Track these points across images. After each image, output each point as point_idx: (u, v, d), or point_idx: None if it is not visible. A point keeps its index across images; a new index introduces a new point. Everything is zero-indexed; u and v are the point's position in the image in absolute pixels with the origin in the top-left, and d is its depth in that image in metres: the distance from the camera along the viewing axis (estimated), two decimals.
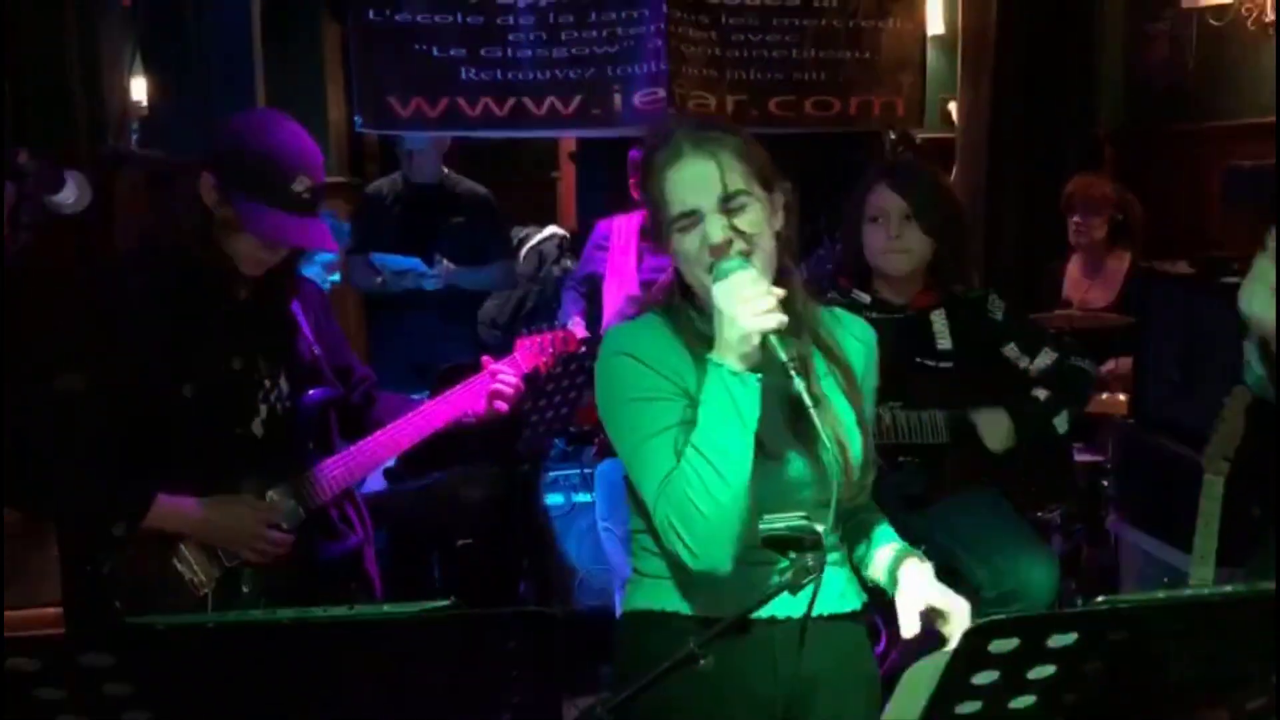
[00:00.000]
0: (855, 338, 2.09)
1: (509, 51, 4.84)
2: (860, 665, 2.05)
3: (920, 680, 1.64)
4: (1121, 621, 1.28)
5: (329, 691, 1.30)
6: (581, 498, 4.36)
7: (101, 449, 2.29)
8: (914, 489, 3.06)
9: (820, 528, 1.65)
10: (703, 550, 1.80)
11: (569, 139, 6.69)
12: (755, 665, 1.93)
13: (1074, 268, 4.67)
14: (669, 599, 1.97)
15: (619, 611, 2.15)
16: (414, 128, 4.84)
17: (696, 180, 1.90)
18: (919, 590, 1.90)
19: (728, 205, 1.89)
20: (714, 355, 1.81)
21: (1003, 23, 5.18)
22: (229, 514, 2.36)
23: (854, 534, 2.08)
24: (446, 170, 4.96)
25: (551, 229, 5.90)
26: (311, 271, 3.76)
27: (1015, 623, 1.26)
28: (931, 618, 1.88)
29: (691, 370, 1.91)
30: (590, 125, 5.00)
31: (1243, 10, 4.63)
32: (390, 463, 3.33)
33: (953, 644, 1.69)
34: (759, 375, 1.80)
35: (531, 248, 5.76)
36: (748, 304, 1.77)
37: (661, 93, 4.78)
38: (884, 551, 2.01)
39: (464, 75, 4.83)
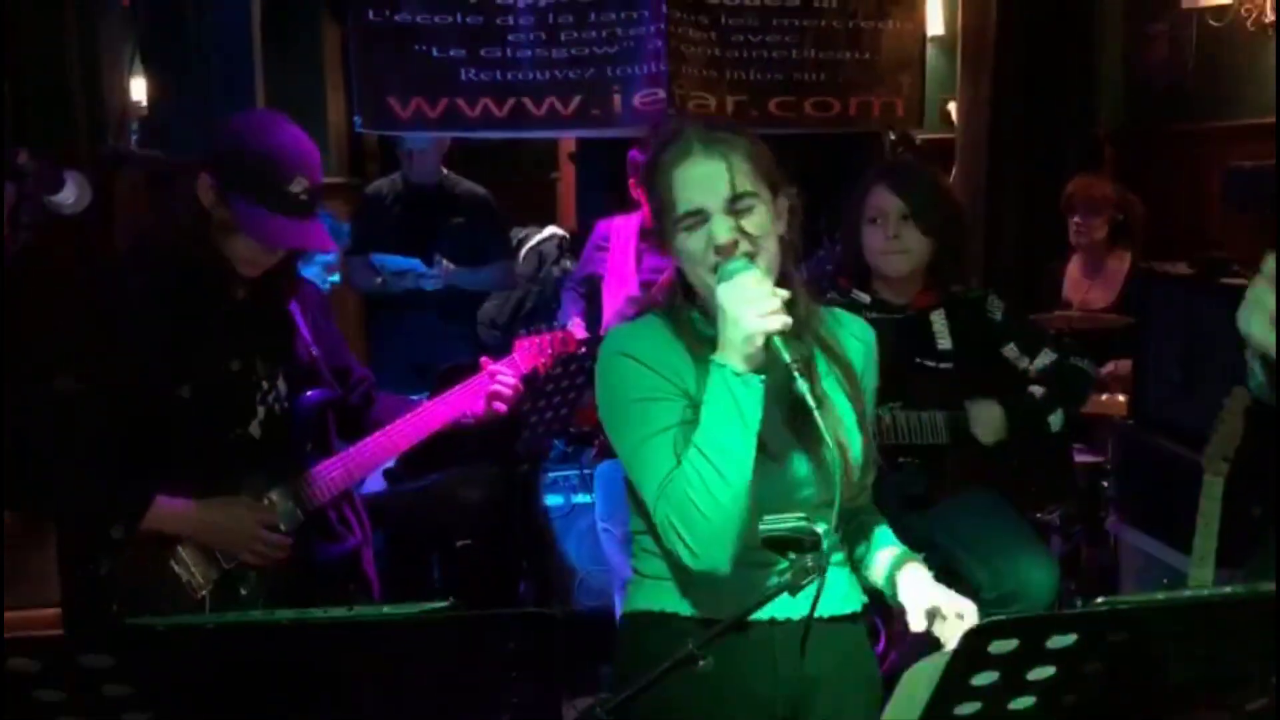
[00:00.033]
0: (855, 338, 2.09)
1: (509, 52, 4.84)
2: (861, 666, 2.05)
3: (920, 681, 1.63)
4: (1121, 622, 1.28)
5: (328, 692, 1.30)
6: (581, 498, 4.36)
7: (100, 450, 2.28)
8: (914, 490, 3.06)
9: (820, 529, 1.65)
10: (703, 550, 1.80)
11: (568, 139, 6.69)
12: (755, 666, 1.93)
13: (1074, 268, 4.67)
14: (669, 600, 1.97)
15: (619, 613, 2.15)
16: (414, 128, 4.84)
17: (705, 180, 1.89)
18: (923, 589, 1.90)
19: (735, 206, 1.89)
20: (717, 356, 1.80)
21: (1002, 23, 5.17)
22: (227, 516, 2.36)
23: (854, 536, 2.08)
24: (446, 171, 4.96)
25: (551, 229, 5.90)
26: (311, 272, 3.76)
27: (1015, 624, 1.25)
28: (934, 618, 1.88)
29: (691, 371, 1.91)
30: (590, 126, 4.99)
31: (1242, 11, 4.63)
32: (390, 463, 3.33)
33: (952, 645, 1.69)
34: (763, 377, 1.80)
35: (531, 248, 5.76)
36: (753, 305, 1.77)
37: (661, 93, 4.78)
38: (884, 555, 2.01)
39: (464, 76, 4.82)
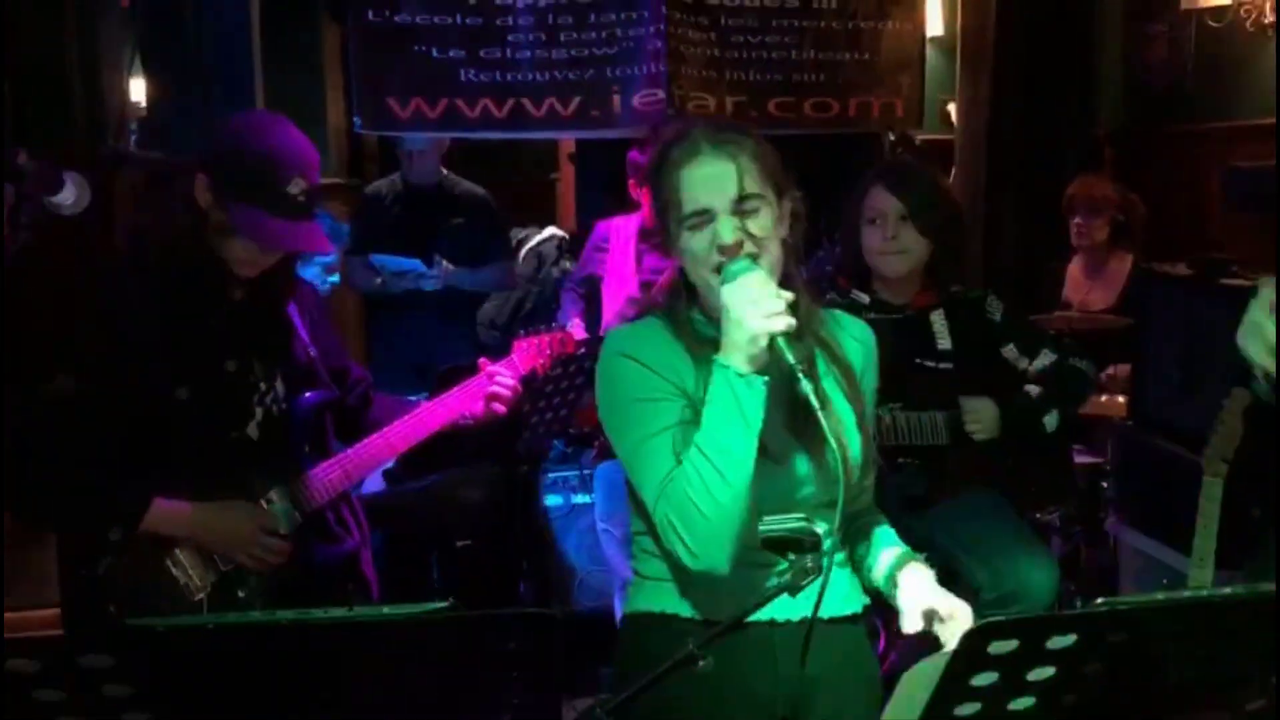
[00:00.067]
0: (854, 338, 2.10)
1: (508, 53, 4.84)
2: (861, 667, 2.05)
3: (919, 681, 1.63)
4: (1120, 623, 1.28)
5: (328, 693, 1.30)
6: (581, 499, 4.36)
7: (98, 451, 2.28)
8: (914, 490, 3.06)
9: (820, 529, 1.65)
10: (702, 550, 1.80)
11: (568, 140, 6.69)
12: (755, 667, 1.93)
13: (1075, 269, 4.67)
14: (669, 601, 1.97)
15: (619, 613, 2.15)
16: (413, 129, 4.84)
17: (713, 180, 1.89)
18: (921, 592, 1.90)
19: (741, 207, 1.89)
20: (720, 356, 1.80)
21: (1002, 23, 5.18)
22: (225, 519, 2.35)
23: (855, 536, 2.08)
24: (445, 171, 4.95)
25: (550, 230, 5.90)
26: (310, 273, 3.76)
27: (1014, 624, 1.26)
28: (931, 621, 1.88)
29: (691, 372, 1.91)
30: (589, 126, 4.99)
31: (1242, 11, 4.64)
32: (388, 464, 3.32)
33: (952, 645, 1.69)
34: (765, 378, 1.80)
35: (530, 249, 5.76)
36: (757, 306, 1.77)
37: (661, 94, 4.78)
38: (885, 555, 2.01)
39: (463, 76, 4.82)
